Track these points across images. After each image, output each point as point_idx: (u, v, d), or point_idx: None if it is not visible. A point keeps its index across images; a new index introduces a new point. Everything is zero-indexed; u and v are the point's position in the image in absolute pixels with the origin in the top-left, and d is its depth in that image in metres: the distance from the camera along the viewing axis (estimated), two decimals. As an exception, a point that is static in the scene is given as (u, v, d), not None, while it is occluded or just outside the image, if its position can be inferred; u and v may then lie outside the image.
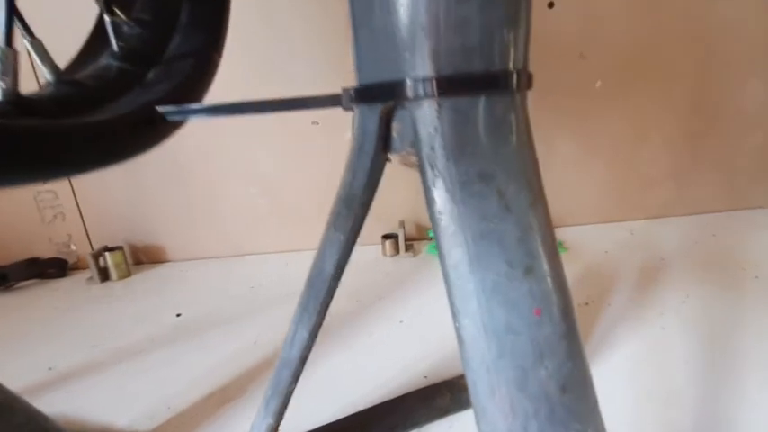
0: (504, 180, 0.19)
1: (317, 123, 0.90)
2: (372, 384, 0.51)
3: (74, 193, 0.93)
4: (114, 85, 0.29)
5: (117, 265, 0.89)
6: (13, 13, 0.25)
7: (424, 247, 0.94)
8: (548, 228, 0.19)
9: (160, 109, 0.28)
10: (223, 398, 0.52)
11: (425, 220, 0.99)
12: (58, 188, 0.93)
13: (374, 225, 0.97)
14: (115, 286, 0.88)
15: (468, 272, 0.18)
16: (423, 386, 0.50)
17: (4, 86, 0.25)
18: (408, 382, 0.52)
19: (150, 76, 0.30)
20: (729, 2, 0.85)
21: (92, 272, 0.88)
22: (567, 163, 0.94)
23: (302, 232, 0.97)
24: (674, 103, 0.92)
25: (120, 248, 0.90)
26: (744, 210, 1.00)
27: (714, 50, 0.89)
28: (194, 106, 0.28)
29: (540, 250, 0.19)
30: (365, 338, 0.62)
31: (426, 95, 0.19)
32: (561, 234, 0.93)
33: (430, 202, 0.19)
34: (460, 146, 0.19)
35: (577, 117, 0.92)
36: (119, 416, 0.50)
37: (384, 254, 0.93)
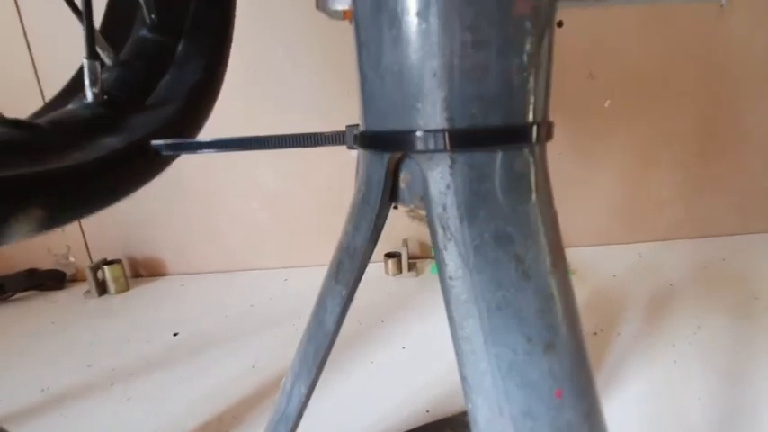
0: (523, 243, 0.17)
1: (321, 139, 0.89)
2: (373, 417, 0.49)
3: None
4: (90, 127, 0.27)
5: (115, 279, 0.87)
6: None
7: (428, 267, 0.92)
8: (569, 295, 0.18)
9: (154, 143, 0.26)
10: (219, 428, 0.50)
11: (429, 239, 0.97)
12: (59, 199, 0.92)
13: (379, 243, 0.95)
14: (113, 300, 0.87)
15: (483, 347, 0.16)
16: (425, 422, 0.48)
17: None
18: (410, 416, 0.50)
19: (133, 120, 0.28)
20: (739, 24, 0.84)
21: (89, 285, 0.86)
22: (574, 183, 0.92)
23: (302, 248, 0.96)
24: (683, 124, 0.90)
25: (118, 262, 0.89)
26: (754, 233, 0.98)
27: (724, 72, 0.87)
28: (191, 141, 0.26)
29: (562, 323, 0.17)
30: (366, 365, 0.60)
31: (438, 149, 0.17)
32: (568, 255, 0.91)
33: (441, 265, 0.18)
34: (475, 205, 0.17)
35: (585, 136, 0.91)
36: (109, 446, 0.48)
37: (387, 272, 0.91)
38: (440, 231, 0.17)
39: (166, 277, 0.96)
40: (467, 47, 0.16)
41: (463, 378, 0.17)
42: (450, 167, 0.17)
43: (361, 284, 0.75)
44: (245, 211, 0.94)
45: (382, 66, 0.17)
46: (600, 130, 0.90)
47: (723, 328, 0.62)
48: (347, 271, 0.21)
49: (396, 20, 0.16)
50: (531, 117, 0.18)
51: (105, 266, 0.87)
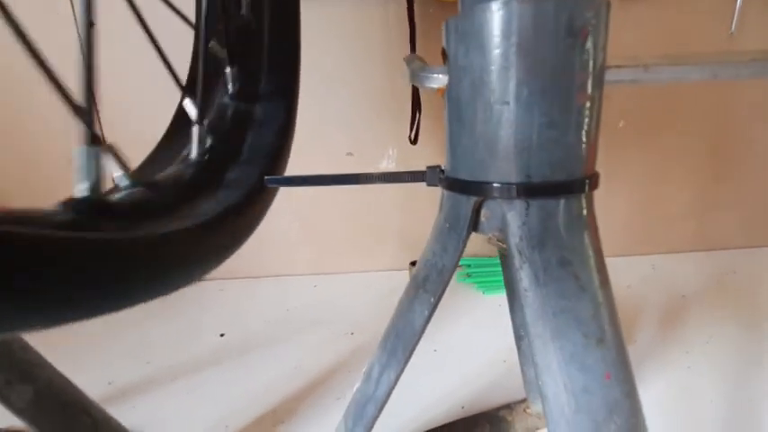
0: (579, 266, 0.23)
1: (352, 155, 0.96)
2: (411, 414, 0.55)
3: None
4: (190, 187, 0.31)
5: (159, 284, 0.94)
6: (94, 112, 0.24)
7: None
8: (612, 304, 0.24)
9: (267, 178, 0.33)
10: (275, 419, 0.56)
11: (452, 249, 1.03)
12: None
13: (403, 252, 1.02)
14: (153, 303, 0.93)
15: (550, 341, 0.23)
16: (461, 416, 0.54)
17: (85, 190, 0.23)
18: (447, 412, 0.56)
19: (229, 175, 0.35)
20: (747, 44, 0.90)
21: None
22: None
23: (331, 256, 1.02)
24: (694, 144, 0.96)
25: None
26: (763, 247, 1.03)
27: (733, 95, 0.93)
28: (297, 176, 0.33)
29: (609, 324, 0.23)
30: (402, 366, 0.66)
31: (517, 196, 0.24)
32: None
33: (517, 280, 0.24)
34: (544, 238, 0.23)
35: (601, 154, 0.97)
36: (180, 433, 0.55)
37: (411, 280, 0.97)
38: (517, 256, 0.24)
39: (206, 281, 1.03)
40: (542, 127, 0.22)
41: (535, 364, 0.23)
42: (526, 210, 0.24)
43: (389, 291, 0.84)
44: (279, 219, 1.01)
45: (476, 134, 0.24)
46: (615, 150, 0.96)
47: (733, 338, 0.68)
48: (435, 283, 0.27)
49: (488, 105, 0.23)
50: (584, 173, 0.24)
51: (150, 271, 0.94)
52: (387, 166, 0.97)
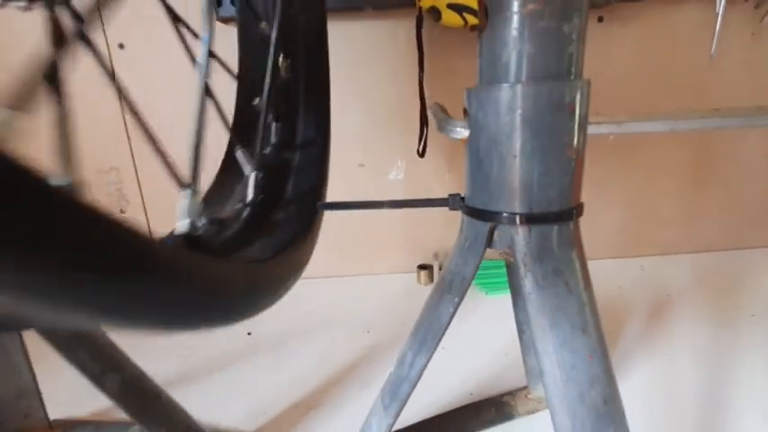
0: (569, 275, 0.32)
1: (364, 165, 1.04)
2: (427, 400, 0.64)
3: (145, 211, 1.07)
4: (251, 224, 0.38)
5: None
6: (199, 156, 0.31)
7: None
8: (594, 303, 0.32)
9: (319, 204, 0.41)
10: (307, 406, 0.64)
11: (456, 252, 1.11)
12: (130, 210, 1.07)
13: (409, 256, 1.10)
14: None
15: (548, 329, 0.31)
16: (470, 402, 0.63)
17: (184, 226, 0.28)
18: (457, 399, 0.64)
19: (278, 215, 0.42)
20: (728, 67, 0.99)
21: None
22: (585, 205, 1.07)
23: (345, 260, 1.10)
24: (680, 153, 1.05)
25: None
26: (744, 249, 1.12)
27: (719, 106, 1.02)
28: (343, 202, 0.41)
29: (591, 317, 0.31)
30: (416, 360, 0.74)
31: (523, 223, 0.32)
32: (579, 268, 1.06)
33: (522, 285, 0.32)
34: (542, 254, 0.32)
35: (594, 164, 1.05)
36: (223, 418, 0.62)
37: (419, 282, 1.06)
38: (522, 266, 0.32)
39: (225, 285, 1.11)
40: (541, 174, 0.31)
41: (536, 348, 0.32)
42: (529, 233, 0.32)
43: (398, 292, 0.94)
44: (296, 227, 1.08)
45: (491, 176, 0.32)
46: (608, 162, 1.05)
47: (713, 332, 0.76)
48: (458, 288, 0.35)
49: (501, 156, 0.31)
50: (572, 205, 0.32)
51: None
52: (395, 176, 1.05)
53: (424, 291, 1.02)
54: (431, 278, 1.05)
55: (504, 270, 0.94)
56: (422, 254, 1.10)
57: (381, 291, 1.03)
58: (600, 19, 0.95)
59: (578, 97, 0.30)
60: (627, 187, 1.07)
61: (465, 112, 0.34)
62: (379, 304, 0.96)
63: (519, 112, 0.29)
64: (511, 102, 0.30)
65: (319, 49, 0.54)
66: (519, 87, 0.29)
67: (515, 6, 0.28)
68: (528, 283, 0.32)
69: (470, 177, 0.35)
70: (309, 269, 1.12)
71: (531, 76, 0.29)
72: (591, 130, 0.33)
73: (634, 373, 0.67)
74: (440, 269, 1.05)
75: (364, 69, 0.97)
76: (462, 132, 0.34)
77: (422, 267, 1.06)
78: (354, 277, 1.10)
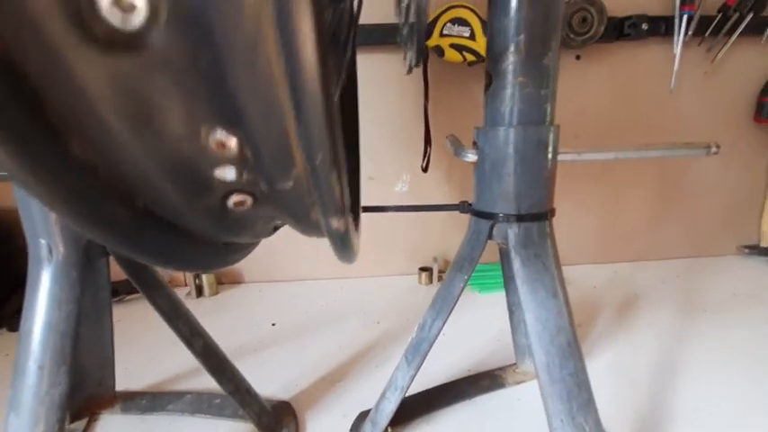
0: (545, 258, 0.46)
1: (373, 179, 1.19)
2: (433, 374, 0.77)
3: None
4: None
5: (210, 284, 1.15)
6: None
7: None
8: (561, 277, 0.47)
9: (363, 206, 0.55)
10: (333, 379, 0.78)
11: (453, 256, 1.26)
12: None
13: (411, 259, 1.24)
14: (207, 301, 1.14)
15: (529, 294, 0.46)
16: (468, 375, 0.77)
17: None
18: (457, 373, 0.78)
19: None
20: (684, 99, 1.17)
21: (190, 288, 1.13)
22: (564, 216, 1.23)
23: (355, 263, 1.24)
24: (646, 173, 1.23)
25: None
26: (704, 257, 1.30)
27: (675, 136, 1.20)
28: (378, 206, 0.55)
29: (560, 287, 0.46)
30: (422, 344, 0.88)
31: (514, 221, 0.47)
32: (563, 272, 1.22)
33: (513, 266, 0.47)
34: (527, 242, 0.47)
35: (573, 182, 1.22)
36: (262, 389, 0.75)
37: (420, 282, 1.20)
38: (513, 252, 0.47)
39: (243, 284, 1.24)
40: (528, 187, 0.46)
41: (524, 307, 0.46)
42: (518, 227, 0.47)
43: (400, 292, 1.12)
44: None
45: (493, 188, 0.47)
46: (584, 179, 1.22)
47: (671, 324, 0.92)
48: (467, 268, 0.50)
49: (500, 175, 0.46)
50: (548, 208, 0.48)
51: (202, 273, 1.14)
52: (401, 188, 1.20)
53: (425, 290, 1.16)
54: (431, 279, 1.20)
55: (493, 273, 1.09)
56: (422, 258, 1.24)
57: (387, 289, 1.17)
58: (577, 57, 1.13)
59: (551, 137, 0.45)
60: (601, 202, 1.24)
61: (474, 143, 0.49)
62: (386, 300, 1.10)
63: (512, 146, 0.45)
64: (507, 139, 0.45)
65: (353, 80, 0.68)
66: (512, 130, 0.44)
67: (509, 79, 0.43)
68: (517, 264, 0.47)
69: (477, 188, 0.50)
70: (324, 270, 1.25)
71: (519, 122, 0.45)
72: (560, 157, 0.48)
73: (602, 356, 0.82)
74: (439, 271, 1.20)
75: (376, 95, 1.12)
76: (472, 157, 0.49)
77: (423, 269, 1.20)
78: (363, 278, 1.24)
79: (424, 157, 1.06)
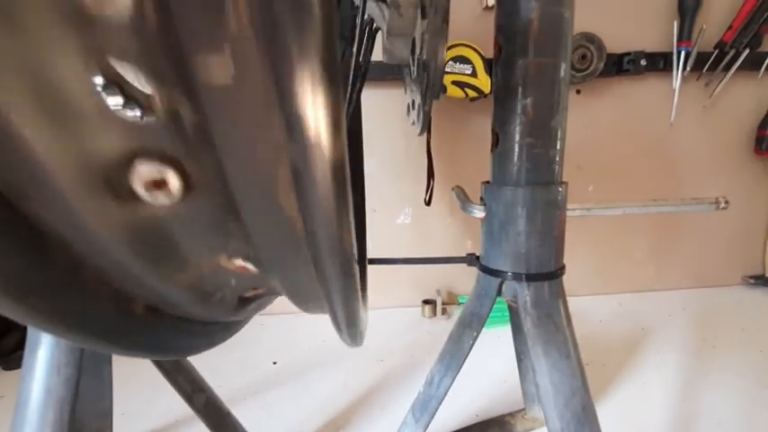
0: (557, 317, 0.46)
1: (375, 211, 1.19)
2: (441, 420, 0.75)
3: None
4: None
5: (210, 320, 1.13)
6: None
7: (457, 311, 1.20)
8: (574, 336, 0.46)
9: (369, 258, 0.55)
10: (336, 425, 0.76)
11: (456, 289, 1.25)
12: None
13: (414, 291, 1.23)
14: (208, 337, 1.11)
15: (542, 356, 0.45)
16: (476, 422, 0.75)
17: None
18: (465, 419, 0.76)
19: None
20: (684, 132, 1.18)
21: (190, 324, 1.11)
22: (569, 248, 1.22)
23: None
24: (649, 204, 1.22)
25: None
26: (710, 287, 1.29)
27: (675, 168, 1.20)
28: (387, 258, 0.55)
29: (572, 348, 0.45)
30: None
31: (524, 280, 0.46)
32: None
33: (522, 324, 0.46)
34: (537, 303, 0.46)
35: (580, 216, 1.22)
36: (267, 436, 0.73)
37: (423, 315, 1.19)
38: (523, 311, 0.46)
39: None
40: (536, 246, 0.45)
41: (534, 370, 0.45)
42: (528, 287, 0.46)
43: (404, 325, 1.10)
44: (312, 265, 1.21)
45: (501, 246, 0.47)
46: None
47: (680, 361, 0.90)
48: (476, 324, 0.49)
49: (508, 233, 0.46)
50: (557, 267, 0.47)
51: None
52: (403, 220, 1.20)
53: (428, 323, 1.15)
54: (434, 312, 1.18)
55: (496, 306, 1.08)
56: (425, 289, 1.23)
57: (389, 323, 1.15)
58: (578, 91, 1.14)
59: (559, 196, 0.45)
60: (606, 232, 1.24)
61: (482, 199, 0.49)
62: (388, 335, 1.08)
63: (521, 206, 0.44)
64: (515, 199, 0.45)
65: (357, 117, 0.68)
66: (521, 190, 0.44)
67: (517, 139, 0.43)
68: (528, 323, 0.46)
69: (485, 244, 0.49)
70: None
71: (528, 182, 0.44)
72: (568, 213, 0.48)
73: (610, 396, 0.80)
74: (442, 304, 1.19)
75: (379, 128, 1.13)
76: (480, 214, 0.48)
77: (426, 302, 1.19)
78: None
79: (428, 190, 1.06)
